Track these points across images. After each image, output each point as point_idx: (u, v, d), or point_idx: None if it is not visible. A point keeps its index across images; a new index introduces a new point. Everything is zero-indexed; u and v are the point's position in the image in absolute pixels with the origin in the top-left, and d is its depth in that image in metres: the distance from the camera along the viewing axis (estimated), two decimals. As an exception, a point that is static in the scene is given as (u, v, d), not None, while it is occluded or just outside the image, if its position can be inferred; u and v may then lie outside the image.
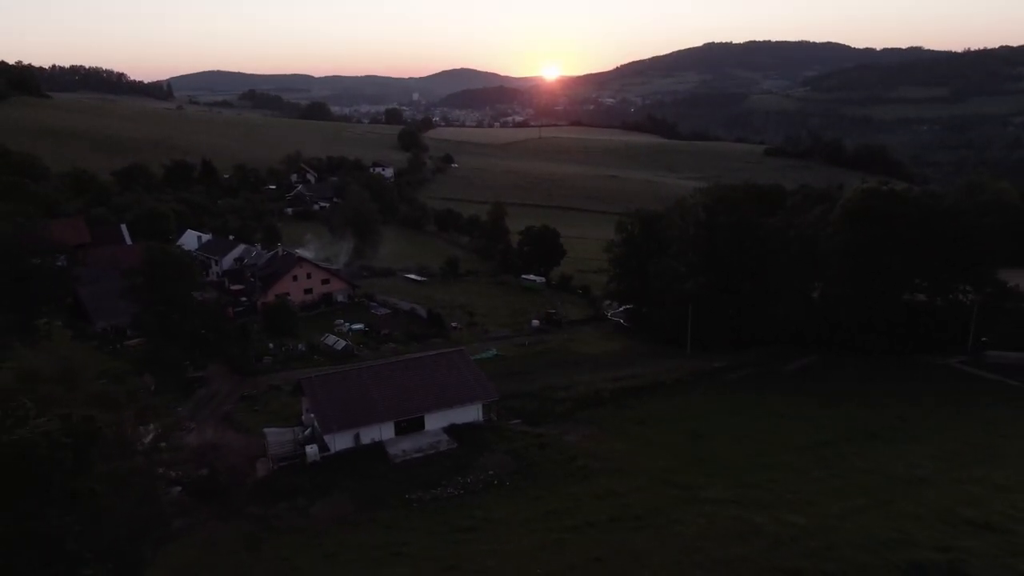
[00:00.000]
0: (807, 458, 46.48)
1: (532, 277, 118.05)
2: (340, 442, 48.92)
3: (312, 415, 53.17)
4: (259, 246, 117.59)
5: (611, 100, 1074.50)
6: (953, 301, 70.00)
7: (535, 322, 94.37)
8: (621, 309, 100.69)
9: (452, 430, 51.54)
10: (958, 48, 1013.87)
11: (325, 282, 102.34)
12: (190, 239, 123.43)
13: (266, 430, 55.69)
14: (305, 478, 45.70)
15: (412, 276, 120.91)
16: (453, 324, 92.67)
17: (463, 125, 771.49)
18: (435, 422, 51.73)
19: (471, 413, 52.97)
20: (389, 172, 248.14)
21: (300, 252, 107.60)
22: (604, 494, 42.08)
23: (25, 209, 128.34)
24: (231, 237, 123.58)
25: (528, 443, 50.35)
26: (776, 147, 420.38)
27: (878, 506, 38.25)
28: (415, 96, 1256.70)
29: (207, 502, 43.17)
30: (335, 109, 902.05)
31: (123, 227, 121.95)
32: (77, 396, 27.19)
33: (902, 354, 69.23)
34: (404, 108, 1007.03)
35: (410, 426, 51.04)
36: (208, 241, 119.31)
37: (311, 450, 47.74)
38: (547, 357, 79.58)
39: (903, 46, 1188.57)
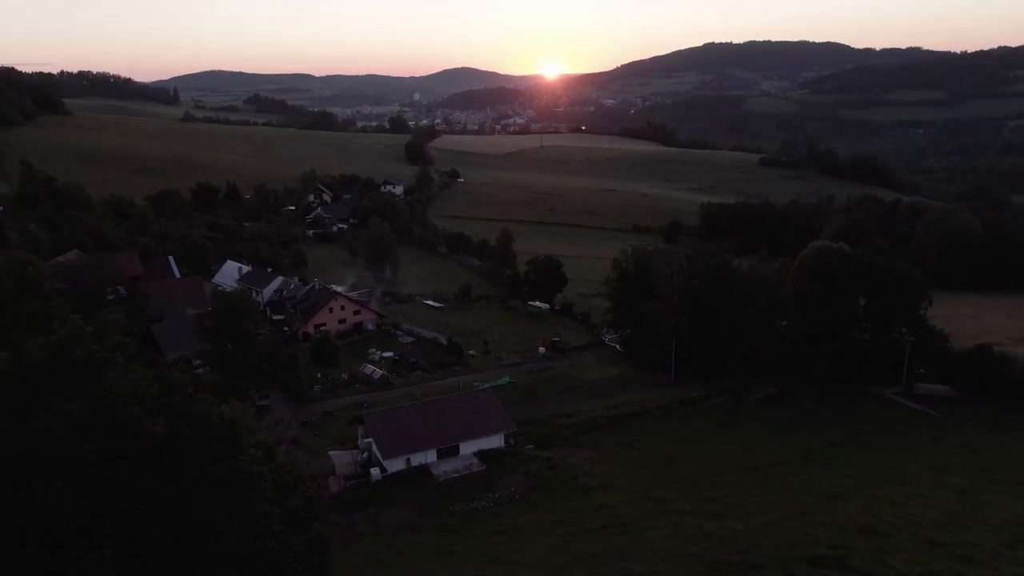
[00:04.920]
0: (754, 478, 60.60)
1: (538, 304, 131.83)
2: (395, 465, 63.19)
3: (369, 441, 67.32)
4: (296, 279, 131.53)
5: (611, 101, 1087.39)
6: (891, 340, 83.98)
7: (542, 349, 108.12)
8: (616, 335, 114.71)
9: (481, 455, 65.81)
10: (957, 49, 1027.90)
11: (356, 312, 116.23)
12: (231, 269, 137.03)
13: (331, 453, 69.96)
14: (371, 493, 59.91)
15: (430, 302, 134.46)
16: (471, 352, 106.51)
17: (465, 128, 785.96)
18: (467, 448, 66.06)
19: (495, 441, 67.34)
20: (399, 190, 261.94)
21: (335, 288, 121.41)
22: (599, 507, 56.31)
23: (80, 241, 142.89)
24: (269, 269, 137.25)
25: (540, 465, 64.66)
26: (771, 157, 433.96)
27: (798, 516, 52.33)
28: (416, 96, 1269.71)
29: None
30: (336, 110, 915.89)
31: (171, 259, 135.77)
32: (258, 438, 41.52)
33: (848, 384, 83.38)
34: (406, 109, 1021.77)
35: (448, 452, 65.45)
36: (248, 273, 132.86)
37: (375, 471, 62.02)
38: (553, 384, 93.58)
39: (902, 46, 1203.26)
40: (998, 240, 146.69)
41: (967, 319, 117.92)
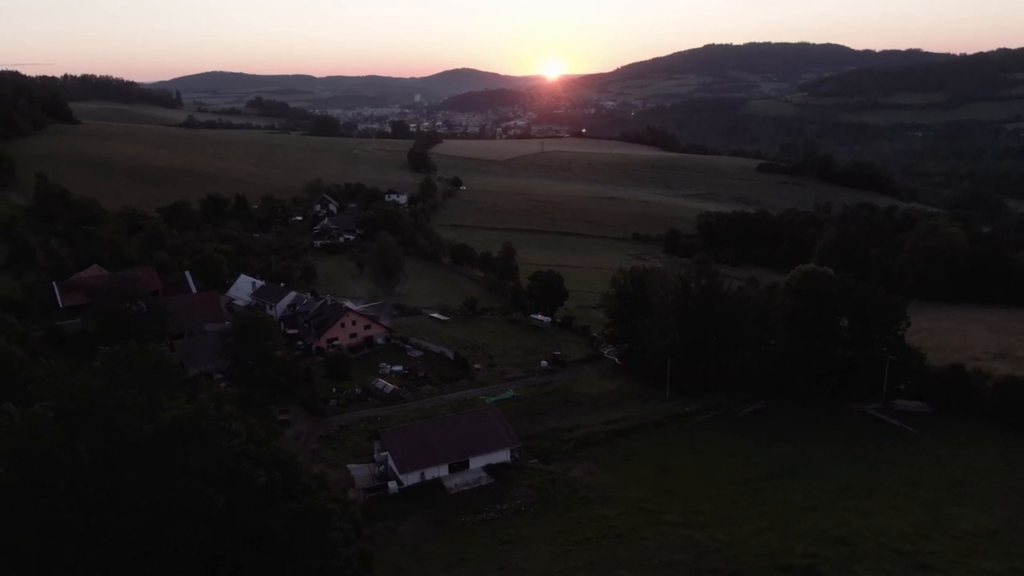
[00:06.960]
0: (739, 491, 66.01)
1: (540, 317, 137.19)
2: (410, 479, 68.74)
3: (385, 455, 72.80)
4: (308, 294, 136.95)
5: (612, 103, 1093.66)
6: (872, 358, 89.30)
7: (544, 362, 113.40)
8: (615, 348, 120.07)
9: (489, 469, 71.38)
10: (956, 51, 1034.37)
11: (367, 327, 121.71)
12: (244, 284, 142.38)
13: (349, 466, 75.48)
14: (390, 505, 65.42)
15: (436, 315, 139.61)
16: (476, 366, 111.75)
17: (466, 130, 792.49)
18: (477, 463, 71.64)
19: (502, 456, 72.93)
20: (404, 199, 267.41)
21: (346, 303, 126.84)
22: (597, 518, 61.78)
23: (98, 256, 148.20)
24: (282, 284, 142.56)
25: (543, 479, 70.17)
26: (769, 163, 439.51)
27: (777, 527, 57.73)
28: (417, 98, 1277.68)
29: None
30: (337, 112, 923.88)
31: (187, 275, 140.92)
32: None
33: (832, 400, 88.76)
34: (407, 111, 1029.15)
35: (459, 466, 71.10)
36: (262, 287, 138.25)
37: (392, 485, 67.55)
38: (555, 397, 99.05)
39: (902, 48, 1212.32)
40: (984, 253, 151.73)
41: (952, 333, 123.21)
